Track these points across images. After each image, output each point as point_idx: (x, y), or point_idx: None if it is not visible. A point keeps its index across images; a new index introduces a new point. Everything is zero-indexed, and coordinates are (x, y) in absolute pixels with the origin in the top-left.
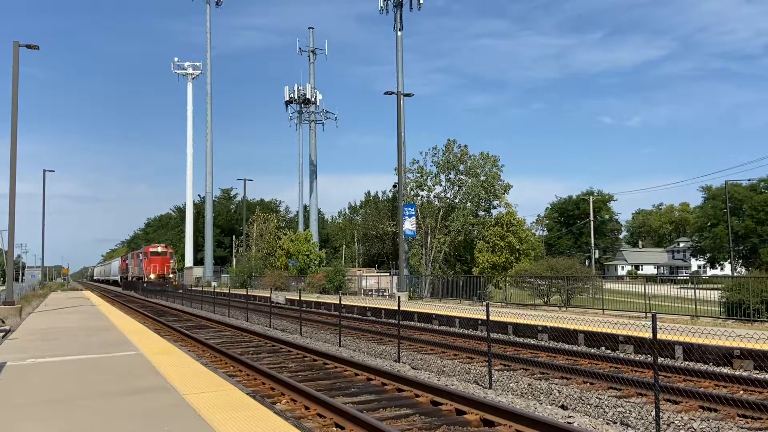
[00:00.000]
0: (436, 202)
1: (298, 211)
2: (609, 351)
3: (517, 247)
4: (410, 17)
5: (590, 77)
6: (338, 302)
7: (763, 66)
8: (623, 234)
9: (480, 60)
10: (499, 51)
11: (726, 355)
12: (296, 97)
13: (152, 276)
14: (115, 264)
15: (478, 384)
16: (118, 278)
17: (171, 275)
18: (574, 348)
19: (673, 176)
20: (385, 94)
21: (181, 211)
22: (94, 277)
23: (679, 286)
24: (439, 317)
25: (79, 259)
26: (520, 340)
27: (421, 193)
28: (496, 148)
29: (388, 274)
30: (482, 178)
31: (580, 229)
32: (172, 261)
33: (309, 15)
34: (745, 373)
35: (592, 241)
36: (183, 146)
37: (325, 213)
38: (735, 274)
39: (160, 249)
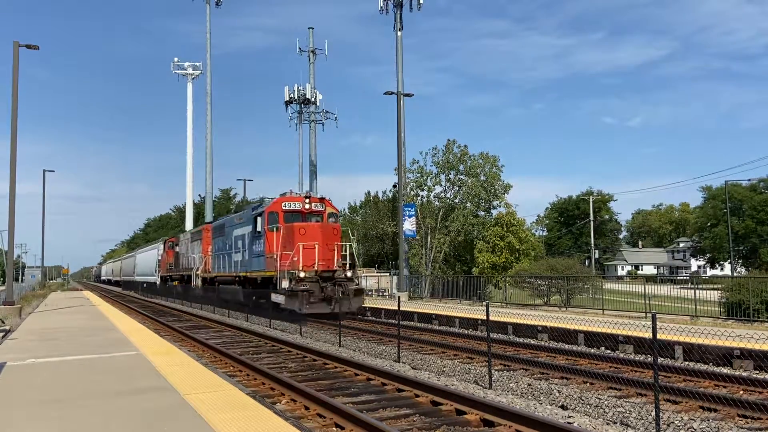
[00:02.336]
0: (436, 202)
1: None
2: (609, 351)
3: (517, 247)
4: (411, 17)
5: (591, 77)
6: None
7: (763, 66)
8: (623, 234)
9: (480, 60)
10: (500, 51)
11: (726, 355)
12: (296, 97)
13: (303, 274)
14: (145, 257)
15: (478, 384)
16: (154, 279)
17: (350, 272)
18: (574, 348)
19: (673, 176)
20: (384, 94)
21: (181, 211)
22: (102, 278)
23: (679, 287)
24: (439, 317)
25: (79, 259)
26: (520, 340)
27: (421, 193)
28: (496, 148)
29: (388, 274)
30: (482, 178)
31: (580, 229)
32: (345, 242)
33: (309, 15)
34: (745, 373)
35: (592, 241)
36: (183, 146)
37: None
38: (735, 274)
39: (309, 204)
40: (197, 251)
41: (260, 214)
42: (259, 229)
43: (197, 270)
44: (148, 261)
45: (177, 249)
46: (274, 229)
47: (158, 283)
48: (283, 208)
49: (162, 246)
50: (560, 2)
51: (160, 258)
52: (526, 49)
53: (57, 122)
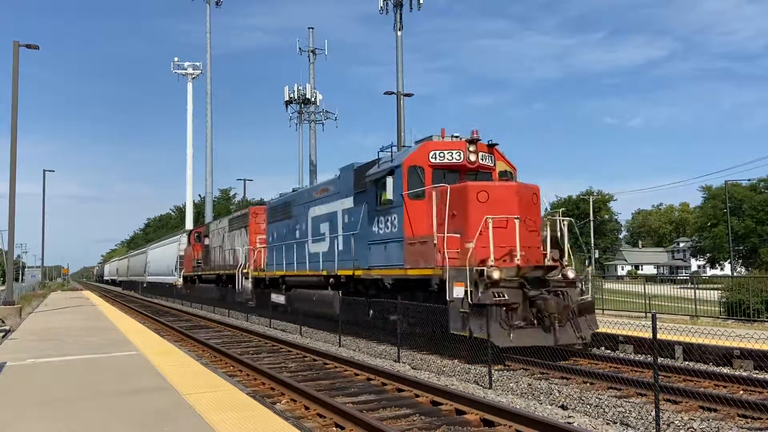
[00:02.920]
0: None
1: None
2: (609, 351)
3: None
4: (411, 17)
5: (592, 77)
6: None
7: (763, 66)
8: (623, 234)
9: (481, 60)
10: (501, 51)
11: (726, 355)
12: (296, 97)
13: (497, 274)
14: (161, 253)
15: (478, 384)
16: (173, 279)
17: (571, 272)
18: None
19: (673, 176)
20: (384, 94)
21: (181, 211)
22: (105, 277)
23: (679, 286)
24: None
25: (79, 259)
26: None
27: None
28: None
29: None
30: None
31: (580, 228)
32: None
33: (309, 15)
34: (745, 373)
35: (592, 241)
36: (183, 146)
37: None
38: (735, 274)
39: (476, 154)
40: (240, 242)
41: (391, 172)
42: (389, 196)
43: (242, 267)
44: (164, 257)
45: (207, 241)
46: (422, 195)
47: (180, 284)
48: (432, 160)
49: (185, 238)
50: (560, 2)
51: (182, 253)
52: (526, 49)
53: (57, 122)
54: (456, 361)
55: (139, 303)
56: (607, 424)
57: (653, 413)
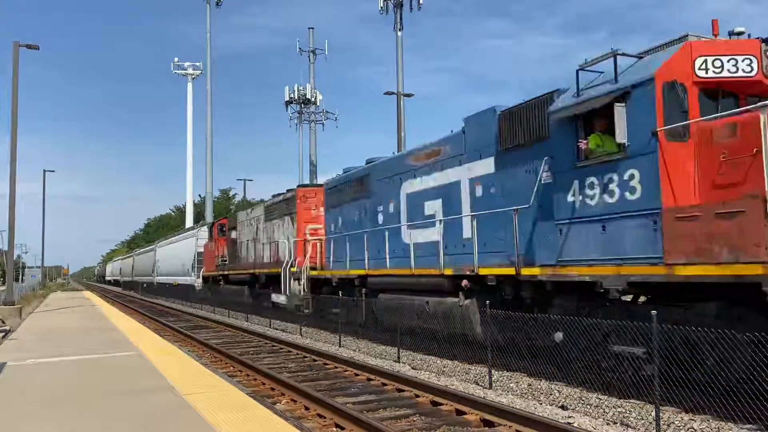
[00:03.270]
0: None
1: None
2: None
3: None
4: (412, 17)
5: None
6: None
7: None
8: None
9: (481, 60)
10: (501, 51)
11: None
12: (296, 98)
13: None
14: (173, 250)
15: (478, 384)
16: (188, 280)
17: None
18: None
19: None
20: (385, 94)
21: (181, 211)
22: (107, 278)
23: None
24: None
25: (80, 259)
26: None
27: None
28: None
29: None
30: None
31: None
32: None
33: (309, 15)
34: None
35: None
36: (183, 146)
37: None
38: None
39: None
40: (283, 234)
41: (623, 96)
42: (621, 138)
43: (289, 264)
44: (178, 255)
45: (234, 235)
46: (685, 133)
47: (199, 285)
48: (700, 74)
49: (205, 232)
50: (561, 2)
51: (201, 250)
52: (527, 49)
53: (57, 121)
54: (456, 361)
55: (138, 303)
56: (607, 424)
57: (653, 413)
